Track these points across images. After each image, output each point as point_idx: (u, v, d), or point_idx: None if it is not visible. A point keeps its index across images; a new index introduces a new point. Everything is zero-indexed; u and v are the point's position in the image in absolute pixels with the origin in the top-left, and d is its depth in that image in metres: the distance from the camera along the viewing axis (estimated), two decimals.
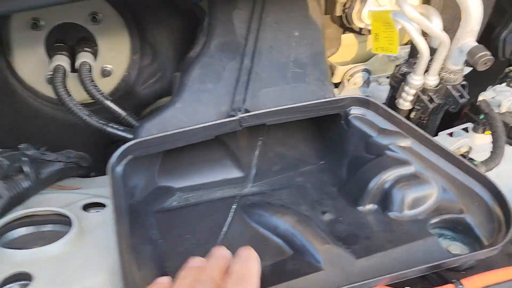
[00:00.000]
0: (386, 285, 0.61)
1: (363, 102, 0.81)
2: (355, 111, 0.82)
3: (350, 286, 0.59)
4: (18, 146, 0.79)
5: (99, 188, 0.84)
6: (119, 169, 0.71)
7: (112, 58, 1.11)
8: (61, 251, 0.61)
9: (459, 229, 0.71)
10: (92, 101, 1.03)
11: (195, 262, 0.58)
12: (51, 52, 1.05)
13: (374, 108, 0.81)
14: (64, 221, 0.69)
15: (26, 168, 0.69)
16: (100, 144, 1.23)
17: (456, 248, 0.69)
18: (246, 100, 0.79)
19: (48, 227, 0.69)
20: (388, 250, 0.66)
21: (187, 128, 0.74)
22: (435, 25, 0.87)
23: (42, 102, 1.11)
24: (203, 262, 0.57)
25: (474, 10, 0.81)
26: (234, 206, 0.78)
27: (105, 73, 1.12)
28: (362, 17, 0.97)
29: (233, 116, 0.76)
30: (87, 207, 0.74)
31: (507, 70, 1.04)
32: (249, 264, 0.55)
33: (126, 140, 0.99)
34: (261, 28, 0.85)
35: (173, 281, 0.55)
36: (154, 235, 0.71)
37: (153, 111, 1.20)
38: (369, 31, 1.01)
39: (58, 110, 1.13)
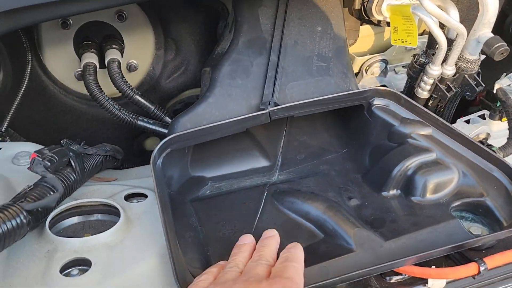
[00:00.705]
0: (413, 265, 0.66)
1: (386, 93, 0.85)
2: (378, 102, 0.86)
3: (380, 265, 0.64)
4: (61, 141, 0.83)
5: (135, 179, 0.88)
6: (159, 161, 0.76)
7: (138, 53, 1.16)
8: (112, 239, 0.67)
9: (480, 212, 0.76)
10: (119, 95, 1.08)
11: (246, 239, 0.64)
12: (79, 49, 1.09)
13: (396, 99, 0.85)
14: (109, 211, 0.74)
15: (73, 163, 0.74)
16: (126, 137, 1.28)
17: (476, 229, 0.74)
18: (274, 94, 0.83)
19: (95, 217, 0.74)
20: (413, 233, 0.71)
21: (220, 122, 0.79)
22: (453, 17, 0.90)
23: (72, 98, 1.16)
24: (253, 240, 0.64)
25: (491, 3, 0.84)
26: (265, 194, 0.83)
27: (131, 68, 1.17)
28: (381, 11, 1.00)
29: (264, 109, 0.80)
30: (128, 197, 0.79)
31: None
32: (295, 250, 0.61)
33: (155, 132, 1.05)
34: (285, 24, 0.89)
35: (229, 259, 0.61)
36: (193, 223, 0.76)
37: (176, 104, 1.26)
38: (387, 23, 1.05)
39: (87, 105, 1.18)
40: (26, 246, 0.64)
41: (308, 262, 0.66)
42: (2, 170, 0.80)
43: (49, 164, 0.68)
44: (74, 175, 0.74)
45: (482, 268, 0.66)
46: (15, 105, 1.05)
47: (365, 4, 1.03)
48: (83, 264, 0.63)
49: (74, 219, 0.72)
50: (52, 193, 0.67)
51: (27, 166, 0.77)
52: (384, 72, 1.17)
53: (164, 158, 0.79)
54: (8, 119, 1.04)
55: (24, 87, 1.05)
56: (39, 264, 0.61)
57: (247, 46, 0.88)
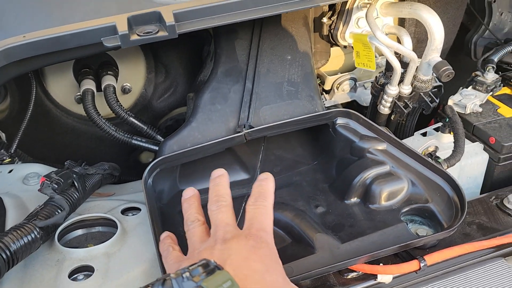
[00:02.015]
0: (364, 263, 0.79)
1: (347, 114, 0.98)
2: (340, 121, 0.98)
3: (336, 265, 0.76)
4: (65, 163, 0.96)
5: (131, 194, 1.01)
6: (150, 180, 0.88)
7: (131, 77, 1.28)
8: (111, 248, 0.79)
9: (426, 215, 0.88)
10: (115, 116, 1.21)
11: (190, 191, 0.73)
12: (78, 76, 1.22)
13: (356, 118, 0.97)
14: (108, 223, 0.86)
15: (76, 183, 0.86)
16: (123, 152, 1.41)
17: (423, 230, 0.86)
18: (249, 117, 0.95)
19: (96, 229, 0.86)
20: (366, 235, 0.83)
21: (202, 145, 0.91)
22: (406, 44, 1.03)
23: (73, 119, 1.29)
24: (196, 190, 0.73)
25: (437, 33, 0.97)
26: (243, 204, 0.95)
27: (125, 91, 1.29)
28: (345, 37, 1.13)
29: (239, 132, 0.92)
30: (124, 211, 0.91)
31: (473, 74, 1.19)
32: (266, 183, 0.69)
33: (147, 149, 1.17)
34: (259, 54, 1.02)
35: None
36: (181, 232, 0.88)
37: (168, 121, 1.38)
38: (352, 47, 1.17)
39: (86, 125, 1.30)
40: (39, 256, 0.77)
41: None
42: (15, 190, 0.92)
43: (56, 186, 0.81)
44: (77, 194, 0.86)
45: (422, 264, 0.79)
46: (22, 128, 1.17)
47: (332, 31, 1.15)
48: (87, 270, 0.75)
49: (79, 232, 0.84)
50: (59, 211, 0.79)
51: (36, 187, 0.90)
52: (354, 88, 1.30)
53: (155, 177, 0.91)
54: (17, 141, 1.16)
55: (30, 112, 1.17)
56: (50, 271, 0.74)
57: (225, 75, 1.00)
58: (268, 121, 0.96)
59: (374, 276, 0.79)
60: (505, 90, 1.19)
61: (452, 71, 0.98)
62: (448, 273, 0.83)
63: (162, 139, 1.19)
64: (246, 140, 0.93)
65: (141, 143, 1.16)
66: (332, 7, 1.16)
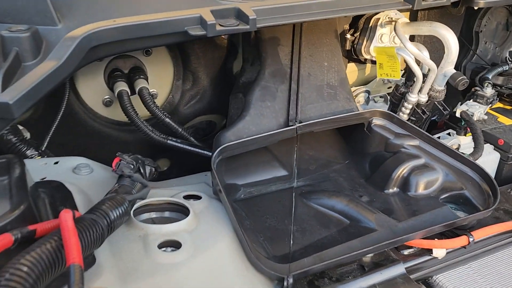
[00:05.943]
0: (421, 238, 0.87)
1: (382, 114, 1.08)
2: (375, 121, 1.09)
3: (398, 239, 0.84)
4: (116, 153, 0.97)
5: (182, 186, 1.03)
6: (215, 166, 0.92)
7: (157, 83, 1.32)
8: (188, 226, 0.81)
9: (460, 202, 0.99)
10: (147, 117, 1.23)
11: None
12: (110, 79, 1.24)
13: (390, 118, 1.08)
14: (176, 208, 0.89)
15: (142, 169, 0.89)
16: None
17: (460, 215, 0.97)
18: (297, 113, 1.03)
19: (165, 214, 0.89)
20: (417, 216, 0.92)
21: (258, 136, 0.97)
22: (426, 56, 1.17)
23: (100, 122, 1.29)
24: None
25: (453, 47, 1.12)
26: (293, 194, 1.02)
27: (152, 97, 1.32)
28: (369, 51, 1.26)
29: (292, 125, 1.00)
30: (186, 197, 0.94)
31: (473, 89, 1.36)
32: None
33: (183, 150, 1.21)
34: (300, 59, 1.11)
35: None
36: (244, 217, 0.93)
37: (189, 128, 1.42)
38: (371, 61, 1.30)
39: (111, 128, 1.31)
40: (119, 233, 0.78)
41: (340, 241, 0.85)
42: (69, 179, 0.93)
43: (132, 166, 0.83)
44: (143, 177, 0.89)
45: (470, 239, 0.88)
46: (52, 129, 1.16)
47: (355, 46, 1.28)
48: (174, 245, 0.77)
49: (149, 214, 0.86)
50: (133, 191, 0.81)
51: (88, 177, 0.93)
52: (366, 101, 1.42)
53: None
54: (47, 141, 1.16)
55: (61, 113, 1.17)
56: (137, 244, 0.75)
57: (271, 75, 1.08)
58: (313, 118, 1.05)
59: (429, 251, 0.88)
60: (498, 104, 1.36)
61: (467, 80, 1.12)
62: (493, 249, 0.93)
63: (195, 141, 1.23)
64: (296, 134, 1.01)
65: (176, 144, 1.19)
66: (353, 25, 1.29)
